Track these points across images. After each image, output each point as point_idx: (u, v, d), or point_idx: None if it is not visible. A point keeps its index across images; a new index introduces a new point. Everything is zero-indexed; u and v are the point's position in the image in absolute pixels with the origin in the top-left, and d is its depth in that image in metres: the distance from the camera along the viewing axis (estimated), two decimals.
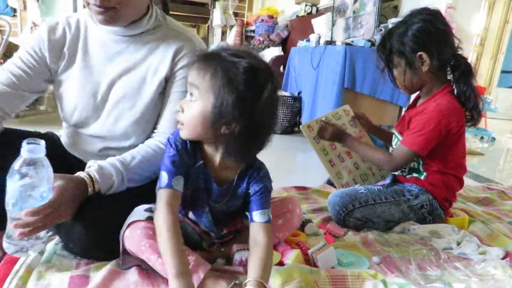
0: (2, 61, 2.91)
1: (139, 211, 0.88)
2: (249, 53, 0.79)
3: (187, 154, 0.86)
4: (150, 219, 0.85)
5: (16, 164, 0.73)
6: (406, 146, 1.27)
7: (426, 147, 1.25)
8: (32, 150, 0.72)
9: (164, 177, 0.84)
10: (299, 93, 3.57)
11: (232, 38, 5.26)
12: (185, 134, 0.84)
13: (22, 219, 0.74)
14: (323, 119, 1.49)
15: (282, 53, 4.55)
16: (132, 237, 0.84)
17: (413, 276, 1.00)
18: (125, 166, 0.95)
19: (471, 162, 2.98)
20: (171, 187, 0.83)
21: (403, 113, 1.54)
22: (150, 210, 0.89)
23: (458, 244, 1.23)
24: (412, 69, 1.28)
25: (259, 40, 4.79)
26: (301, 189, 1.60)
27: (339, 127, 1.44)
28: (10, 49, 3.07)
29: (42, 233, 0.81)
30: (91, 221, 0.88)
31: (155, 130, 1.08)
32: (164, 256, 0.75)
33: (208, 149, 0.87)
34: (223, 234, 1.00)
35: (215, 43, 5.44)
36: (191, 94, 0.81)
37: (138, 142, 1.07)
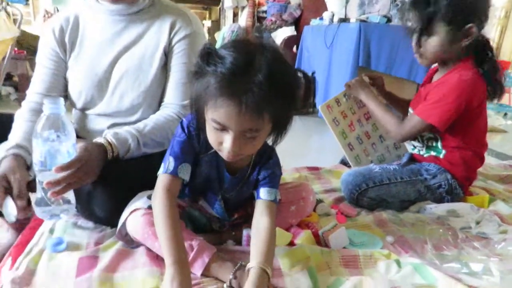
0: (16, 49, 2.94)
1: (142, 198, 0.87)
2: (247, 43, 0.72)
3: (199, 141, 0.84)
4: (151, 207, 0.82)
5: (40, 123, 0.76)
6: (420, 116, 1.22)
7: (444, 120, 1.19)
8: (54, 106, 0.75)
9: (170, 162, 0.82)
10: (312, 73, 3.50)
11: (244, 19, 5.17)
12: (239, 158, 0.78)
13: (52, 178, 0.77)
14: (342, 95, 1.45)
15: (295, 33, 4.45)
16: (134, 225, 0.84)
17: (428, 256, 0.97)
18: (139, 132, 0.99)
19: (493, 140, 2.88)
20: (176, 174, 0.81)
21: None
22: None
23: (477, 223, 1.19)
24: (453, 40, 1.18)
25: (271, 20, 4.69)
26: (313, 169, 1.57)
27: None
28: (24, 38, 3.10)
29: (71, 197, 0.83)
30: (113, 182, 0.91)
31: (163, 103, 1.11)
32: (161, 244, 0.74)
33: None
34: (233, 219, 0.99)
35: (226, 25, 5.36)
36: (245, 136, 0.72)
37: (145, 116, 1.09)
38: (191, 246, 0.81)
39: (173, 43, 1.09)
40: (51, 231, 0.94)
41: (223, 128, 0.70)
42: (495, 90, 1.25)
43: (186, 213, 0.95)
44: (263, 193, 0.87)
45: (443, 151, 1.30)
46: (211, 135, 0.75)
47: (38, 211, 0.80)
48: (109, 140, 0.94)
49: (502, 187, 1.50)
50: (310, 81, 0.76)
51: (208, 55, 0.69)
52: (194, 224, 0.96)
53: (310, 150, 2.56)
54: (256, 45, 0.71)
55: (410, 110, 1.38)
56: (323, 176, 1.51)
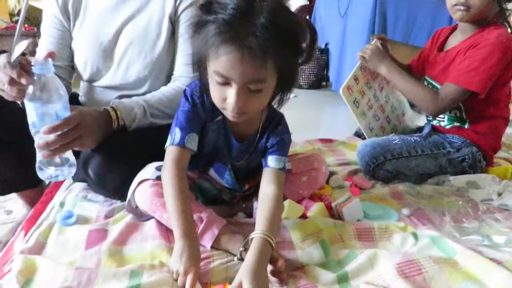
0: (26, 25, 2.91)
1: (150, 169, 0.85)
2: None
3: (204, 108, 0.81)
4: (159, 178, 0.81)
5: (30, 86, 0.74)
6: (459, 85, 1.11)
7: (487, 86, 1.11)
8: (41, 67, 0.73)
9: (177, 133, 0.79)
10: (326, 44, 3.38)
11: None
12: (247, 118, 0.75)
13: (42, 139, 0.75)
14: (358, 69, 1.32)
15: (307, 2, 4.29)
16: (143, 196, 0.82)
17: (447, 229, 0.93)
18: (145, 101, 0.97)
19: None
20: (183, 145, 0.78)
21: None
22: (160, 169, 0.85)
23: (499, 195, 1.13)
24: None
25: None
26: (326, 141, 1.53)
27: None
28: (33, 14, 3.07)
29: (70, 158, 0.82)
30: (123, 153, 0.90)
31: (172, 76, 1.08)
32: (170, 216, 0.73)
33: None
34: (244, 190, 0.97)
35: None
36: (249, 89, 0.68)
37: (152, 89, 1.06)
38: (201, 218, 0.79)
39: (179, 11, 1.04)
40: (62, 204, 0.93)
41: (226, 82, 0.67)
42: None
43: (196, 185, 0.93)
44: (271, 161, 0.84)
45: (468, 121, 1.23)
46: (215, 92, 0.71)
47: (39, 173, 0.80)
48: (114, 107, 0.93)
49: None
50: (314, 32, 0.73)
51: (209, 4, 0.66)
52: (204, 196, 0.94)
53: (323, 123, 2.51)
54: None
55: (429, 79, 1.30)
56: (337, 148, 1.46)
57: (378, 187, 1.16)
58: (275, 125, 0.86)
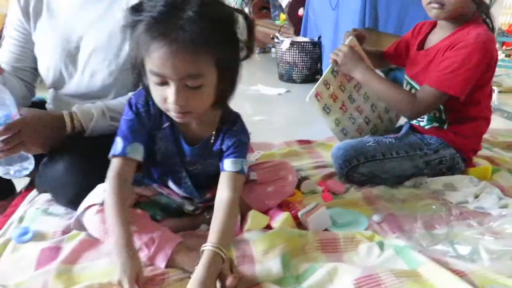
0: None
1: (97, 192, 0.82)
2: None
3: (149, 117, 0.78)
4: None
5: None
6: (438, 88, 1.05)
7: (467, 89, 1.05)
8: None
9: (118, 143, 0.76)
10: (319, 37, 3.31)
11: None
12: (193, 117, 0.74)
13: None
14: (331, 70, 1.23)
15: None
16: (91, 222, 0.80)
17: (416, 236, 0.90)
18: (105, 104, 0.95)
19: (510, 102, 2.68)
20: (125, 155, 0.75)
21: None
22: None
23: (476, 197, 1.09)
24: None
25: None
26: (305, 142, 1.48)
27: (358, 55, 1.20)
28: None
29: (24, 154, 0.84)
30: (81, 159, 0.88)
31: None
32: (109, 231, 0.71)
33: None
34: (206, 198, 0.93)
35: None
36: (188, 86, 0.66)
37: (119, 96, 1.03)
38: (152, 239, 0.76)
39: None
40: (21, 219, 0.91)
41: (163, 81, 0.66)
42: None
43: (154, 201, 0.89)
44: (227, 164, 0.81)
45: (448, 122, 1.18)
46: (155, 94, 0.70)
47: None
48: (72, 111, 0.92)
49: (508, 155, 1.37)
50: (251, 23, 0.71)
51: (138, 5, 0.65)
52: (164, 211, 0.90)
53: (316, 117, 2.46)
54: None
55: (409, 78, 1.24)
56: (315, 149, 1.42)
57: (352, 191, 1.12)
58: (230, 125, 0.83)
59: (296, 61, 3.29)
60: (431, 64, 1.13)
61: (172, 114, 0.71)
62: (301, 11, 3.75)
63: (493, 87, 2.63)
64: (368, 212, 1.00)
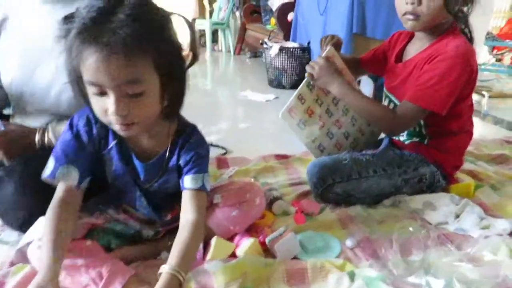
0: None
1: (37, 226, 0.76)
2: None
3: (91, 138, 0.73)
4: None
5: None
6: (418, 104, 0.99)
7: (448, 104, 0.99)
8: None
9: (49, 165, 0.71)
10: (308, 43, 3.26)
11: None
12: (138, 129, 0.68)
13: None
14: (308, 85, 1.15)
15: (293, 0, 4.16)
16: (33, 258, 0.74)
17: (389, 265, 0.84)
18: None
19: (502, 106, 2.64)
20: (54, 177, 0.71)
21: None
22: None
23: (457, 216, 1.04)
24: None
25: None
26: (282, 157, 1.42)
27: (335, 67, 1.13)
28: None
29: None
30: (14, 182, 0.84)
31: None
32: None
33: None
34: (167, 221, 0.87)
35: None
36: (128, 94, 0.62)
37: None
38: (101, 274, 0.70)
39: None
40: None
41: (101, 91, 0.62)
42: None
43: (107, 229, 0.82)
44: (187, 181, 0.76)
45: (428, 137, 1.12)
46: (96, 107, 0.65)
47: None
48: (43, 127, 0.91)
49: (492, 169, 1.32)
50: (191, 27, 0.69)
51: (72, 14, 0.62)
52: (120, 238, 0.84)
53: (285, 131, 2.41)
54: None
55: (387, 92, 1.19)
56: (292, 165, 1.36)
57: (327, 212, 1.06)
58: (186, 138, 0.77)
59: (285, 66, 3.24)
60: (410, 78, 1.08)
61: (116, 127, 0.66)
62: (290, 16, 3.70)
63: (483, 92, 2.61)
64: (342, 236, 0.94)
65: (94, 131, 0.73)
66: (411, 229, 0.96)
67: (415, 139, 1.14)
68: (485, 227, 0.99)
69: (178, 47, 0.68)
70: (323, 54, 1.14)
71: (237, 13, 5.00)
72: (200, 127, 1.95)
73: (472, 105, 1.14)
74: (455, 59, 0.97)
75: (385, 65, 1.23)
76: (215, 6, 5.05)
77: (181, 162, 0.77)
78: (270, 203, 1.04)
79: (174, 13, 0.67)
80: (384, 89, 1.21)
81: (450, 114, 1.04)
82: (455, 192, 1.13)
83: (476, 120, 2.24)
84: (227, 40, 4.89)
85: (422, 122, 1.11)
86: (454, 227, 0.99)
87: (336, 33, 2.69)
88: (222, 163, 1.33)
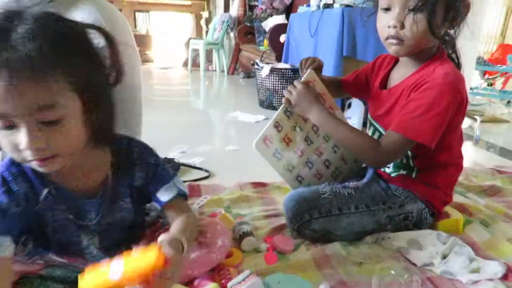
0: None
1: None
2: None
3: (14, 198, 0.61)
4: None
5: None
6: (405, 135, 0.89)
7: (437, 135, 0.90)
8: None
9: None
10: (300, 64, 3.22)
11: (235, 8, 4.88)
12: (62, 163, 0.59)
13: None
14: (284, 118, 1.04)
15: (285, 21, 4.15)
16: None
17: None
18: None
19: (494, 130, 2.59)
20: None
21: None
22: None
23: (444, 257, 0.94)
24: (446, 17, 0.88)
25: (262, 8, 4.39)
26: (259, 185, 1.32)
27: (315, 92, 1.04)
28: None
29: None
30: None
31: None
32: None
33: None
34: None
35: (217, 14, 5.08)
36: (41, 122, 0.53)
37: None
38: None
39: None
40: None
41: (8, 123, 0.52)
42: None
43: (44, 276, 0.71)
44: (162, 195, 0.72)
45: (416, 169, 1.03)
46: (5, 144, 0.55)
47: None
48: None
49: (483, 202, 1.22)
50: (111, 41, 0.60)
51: None
52: (64, 283, 0.72)
53: None
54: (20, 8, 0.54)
55: (372, 120, 1.10)
56: (269, 194, 1.26)
57: (302, 250, 0.95)
58: (129, 153, 0.69)
59: (277, 87, 3.19)
60: (396, 106, 0.99)
61: (34, 164, 0.56)
62: (283, 38, 3.67)
63: (475, 116, 2.55)
64: (315, 279, 0.84)
65: (15, 188, 0.61)
66: (393, 272, 0.86)
67: (402, 172, 1.05)
68: (475, 270, 0.89)
69: (99, 63, 0.60)
70: (302, 79, 1.06)
71: (232, 34, 5.00)
72: (185, 148, 1.85)
73: (461, 136, 1.05)
74: (444, 87, 0.89)
75: (367, 89, 1.15)
76: (210, 26, 5.05)
77: (138, 183, 0.70)
78: (240, 238, 0.94)
79: (91, 25, 0.58)
80: (369, 116, 1.12)
81: (439, 147, 0.94)
82: (442, 229, 1.03)
83: (468, 145, 2.18)
84: (221, 60, 4.87)
85: (410, 153, 1.02)
86: (441, 270, 0.89)
87: (326, 55, 2.68)
88: (193, 190, 1.23)
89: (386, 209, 0.99)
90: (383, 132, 1.02)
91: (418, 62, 0.97)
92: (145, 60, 7.96)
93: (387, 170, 1.08)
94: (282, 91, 3.16)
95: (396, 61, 1.08)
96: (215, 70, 5.06)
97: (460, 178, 1.25)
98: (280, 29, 3.76)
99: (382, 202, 0.99)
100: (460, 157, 1.05)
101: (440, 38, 0.92)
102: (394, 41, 0.92)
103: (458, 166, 1.05)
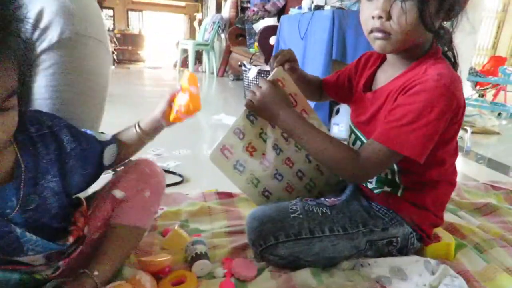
0: None
1: None
2: None
3: None
4: None
5: None
6: (388, 146, 0.73)
7: (426, 148, 0.73)
8: None
9: None
10: None
11: (227, 10, 4.74)
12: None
13: None
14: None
15: (277, 24, 4.01)
16: None
17: None
18: None
19: (484, 142, 2.48)
20: None
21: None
22: None
23: None
24: (441, 6, 0.73)
25: (254, 10, 4.25)
26: (225, 196, 1.14)
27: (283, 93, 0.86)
28: None
29: None
30: None
31: None
32: None
33: None
34: (69, 248, 0.64)
35: (209, 15, 4.93)
36: None
37: None
38: None
39: (38, 50, 0.68)
40: None
41: None
42: None
43: None
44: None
45: (403, 187, 0.86)
46: None
47: None
48: None
49: (477, 223, 1.07)
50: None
51: None
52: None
53: None
54: None
55: (354, 127, 0.94)
56: (236, 206, 1.08)
57: (265, 276, 0.78)
58: (38, 125, 0.61)
59: None
60: (381, 111, 0.82)
61: None
62: (272, 40, 3.53)
63: (466, 127, 2.43)
64: None
65: None
66: None
67: (387, 189, 0.88)
68: None
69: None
70: (269, 77, 0.89)
71: (223, 35, 4.85)
72: (161, 150, 1.70)
73: (456, 149, 0.89)
74: (437, 91, 0.72)
75: (349, 92, 0.99)
76: (201, 27, 4.91)
77: (69, 147, 0.63)
78: (192, 260, 0.77)
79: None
80: (350, 123, 0.96)
81: (430, 161, 0.78)
82: (431, 254, 0.88)
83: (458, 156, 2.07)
84: (211, 61, 4.71)
85: (395, 167, 0.85)
86: None
87: (315, 58, 2.53)
88: None
89: (366, 233, 0.83)
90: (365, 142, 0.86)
91: (408, 60, 0.82)
92: (137, 60, 7.79)
93: (369, 186, 0.92)
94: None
95: (383, 59, 0.92)
96: (205, 72, 4.90)
97: (452, 195, 1.11)
98: (270, 31, 3.62)
99: (362, 224, 0.83)
100: (454, 173, 0.90)
101: (434, 31, 0.77)
102: (379, 34, 0.76)
103: (451, 184, 0.89)
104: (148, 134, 0.75)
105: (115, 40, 6.55)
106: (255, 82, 3.02)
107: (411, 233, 0.85)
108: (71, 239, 0.64)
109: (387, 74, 0.87)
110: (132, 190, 0.73)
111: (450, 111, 0.74)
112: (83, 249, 0.67)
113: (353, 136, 0.94)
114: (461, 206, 1.17)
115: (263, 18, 4.19)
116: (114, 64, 5.88)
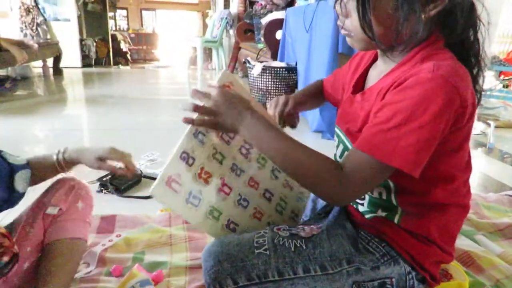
0: None
1: None
2: None
3: None
4: None
5: None
6: (374, 156, 0.54)
7: (423, 158, 0.54)
8: None
9: None
10: (296, 64, 2.88)
11: (235, 5, 4.55)
12: None
13: None
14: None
15: (283, 17, 3.80)
16: None
17: None
18: None
19: (509, 137, 2.21)
20: None
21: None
22: None
23: None
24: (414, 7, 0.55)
25: (261, 5, 4.05)
26: None
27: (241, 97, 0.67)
28: None
29: None
30: None
31: None
32: None
33: None
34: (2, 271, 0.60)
35: (217, 11, 4.76)
36: None
37: None
38: None
39: None
40: None
41: None
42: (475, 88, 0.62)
43: None
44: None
45: (401, 211, 0.66)
46: None
47: None
48: None
49: (499, 250, 0.84)
50: None
51: None
52: None
53: None
54: None
55: (339, 132, 0.75)
56: (203, 232, 0.91)
57: None
58: None
59: (269, 87, 2.87)
60: (370, 115, 0.64)
61: None
62: (279, 34, 3.32)
63: (488, 121, 2.16)
64: None
65: None
66: None
67: (381, 214, 0.68)
68: None
69: None
70: (216, 82, 0.70)
71: (231, 31, 4.67)
72: (155, 155, 1.60)
73: (469, 163, 0.67)
74: (431, 84, 0.52)
75: (343, 95, 0.80)
76: (209, 23, 4.75)
77: None
78: None
79: None
80: (336, 129, 0.77)
81: (433, 177, 0.59)
82: None
83: (479, 153, 1.82)
84: (220, 58, 4.55)
85: (391, 184, 0.65)
86: None
87: (321, 52, 2.31)
88: (107, 224, 0.90)
89: (352, 272, 0.64)
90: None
91: (400, 54, 0.62)
92: (151, 59, 7.74)
93: (360, 208, 0.72)
94: (275, 91, 2.85)
95: (376, 56, 0.72)
96: (215, 69, 4.75)
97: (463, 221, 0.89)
98: (276, 25, 3.41)
99: (346, 261, 0.64)
100: (467, 194, 0.68)
101: (442, 21, 0.57)
102: (343, 31, 0.62)
103: (463, 208, 0.68)
104: (67, 166, 0.73)
105: (129, 40, 6.50)
106: (260, 79, 2.84)
107: (409, 273, 0.65)
108: (5, 259, 0.61)
109: (378, 71, 0.68)
110: (65, 203, 0.72)
111: (451, 110, 0.53)
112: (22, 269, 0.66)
113: (341, 147, 0.74)
114: (478, 227, 0.94)
115: (271, 11, 3.98)
116: (128, 64, 5.85)
